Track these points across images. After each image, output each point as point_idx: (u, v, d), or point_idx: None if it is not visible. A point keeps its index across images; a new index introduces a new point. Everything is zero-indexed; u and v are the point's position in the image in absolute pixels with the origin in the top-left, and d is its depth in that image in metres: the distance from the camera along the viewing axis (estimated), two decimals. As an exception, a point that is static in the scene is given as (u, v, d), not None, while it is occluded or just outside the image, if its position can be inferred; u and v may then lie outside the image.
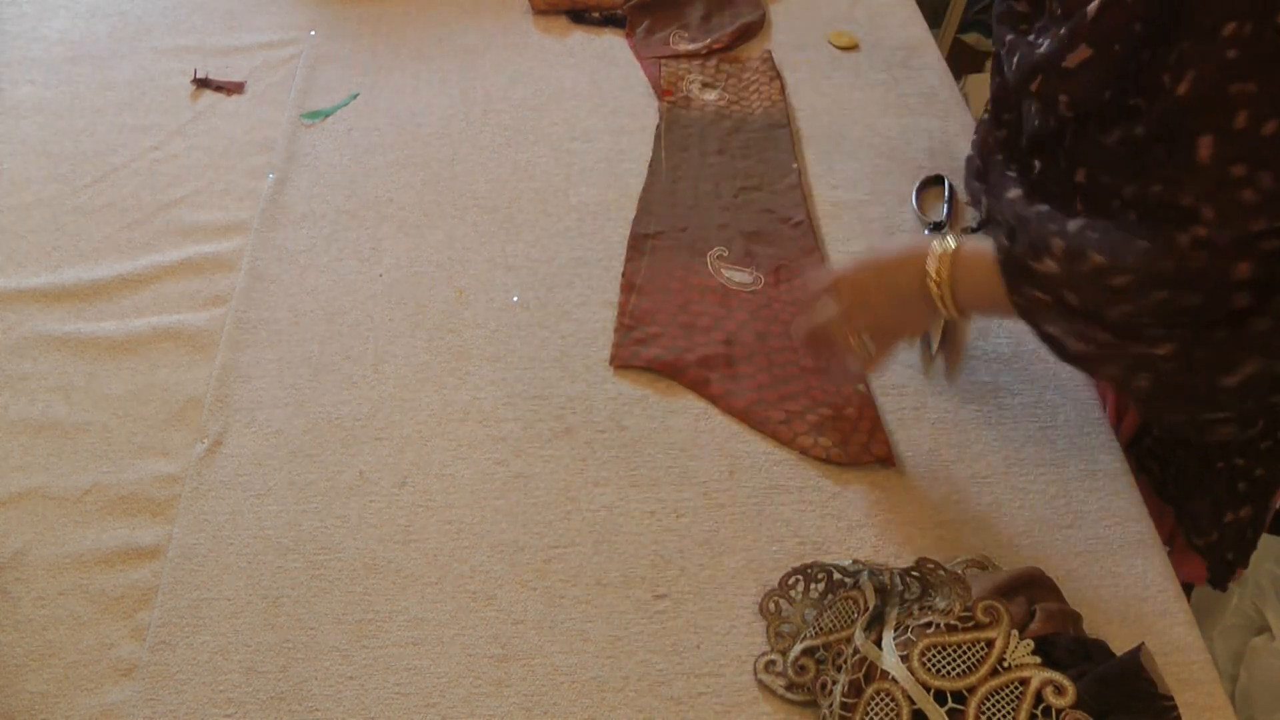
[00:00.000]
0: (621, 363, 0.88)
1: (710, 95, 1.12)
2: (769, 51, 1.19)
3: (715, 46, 1.20)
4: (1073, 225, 0.66)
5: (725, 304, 0.92)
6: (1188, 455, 0.81)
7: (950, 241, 0.72)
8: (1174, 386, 0.66)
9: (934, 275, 0.72)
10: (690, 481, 0.81)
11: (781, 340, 0.89)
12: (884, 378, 0.87)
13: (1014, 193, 0.74)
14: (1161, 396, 0.67)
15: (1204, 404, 0.67)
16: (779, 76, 1.16)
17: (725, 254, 0.97)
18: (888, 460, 0.81)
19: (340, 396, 0.86)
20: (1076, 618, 0.66)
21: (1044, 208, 0.70)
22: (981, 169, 0.82)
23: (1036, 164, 0.75)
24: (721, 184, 1.04)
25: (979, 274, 0.71)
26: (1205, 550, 0.83)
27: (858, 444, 0.82)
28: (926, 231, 0.98)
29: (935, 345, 0.89)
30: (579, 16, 1.27)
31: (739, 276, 0.95)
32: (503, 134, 1.11)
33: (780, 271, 0.95)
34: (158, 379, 0.88)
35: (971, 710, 0.59)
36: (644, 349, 0.89)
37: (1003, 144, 0.80)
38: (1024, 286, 0.68)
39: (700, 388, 0.86)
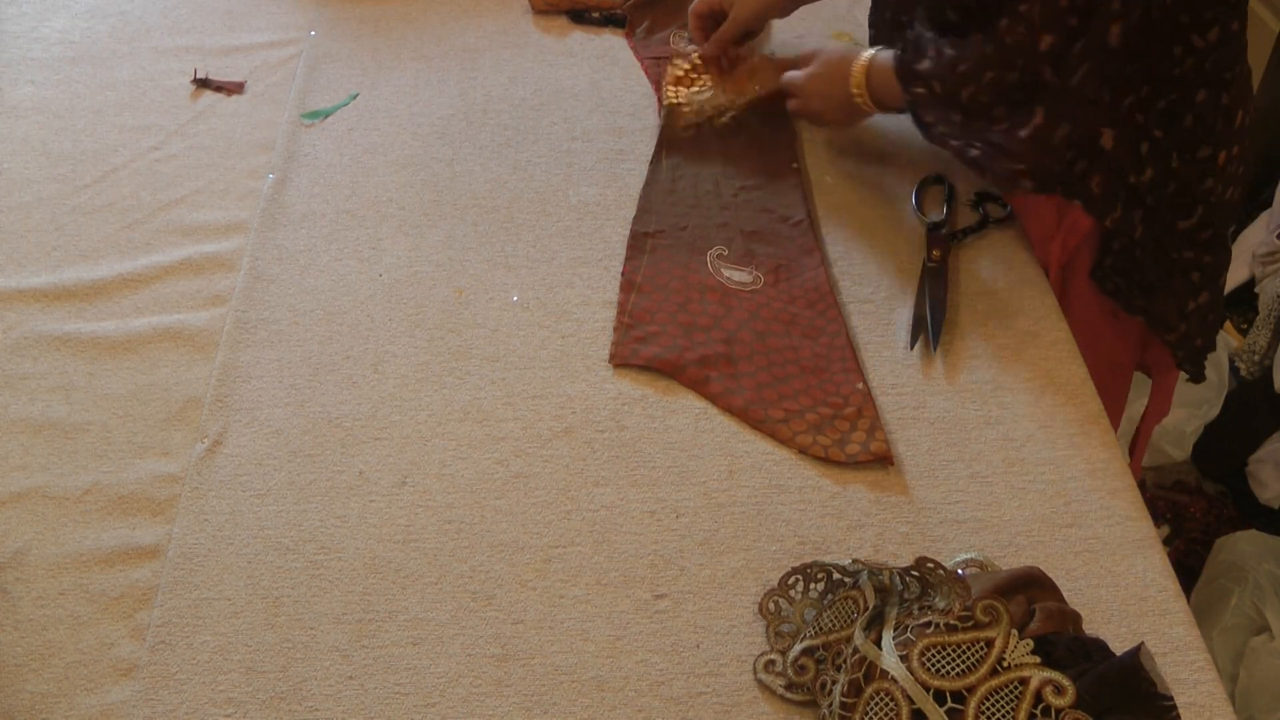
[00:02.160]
0: (621, 361, 0.88)
1: (708, 95, 1.12)
2: (772, 53, 1.19)
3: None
4: (942, 39, 0.88)
5: (725, 303, 0.92)
6: (1145, 259, 0.90)
7: (865, 56, 0.96)
8: (996, 149, 0.87)
9: (855, 83, 0.97)
10: (690, 481, 0.81)
11: (781, 340, 0.89)
12: (884, 378, 0.87)
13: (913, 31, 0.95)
14: (986, 160, 0.89)
15: (1012, 159, 0.87)
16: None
17: (725, 253, 0.97)
18: (886, 459, 0.81)
19: (340, 396, 0.86)
20: (1076, 617, 0.66)
21: (928, 33, 0.91)
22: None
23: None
24: (721, 183, 1.04)
25: (886, 78, 0.94)
26: (1177, 344, 0.95)
27: (856, 443, 0.82)
28: (925, 231, 0.98)
29: (935, 340, 0.89)
30: (579, 16, 1.27)
31: (739, 276, 0.95)
32: (503, 134, 1.11)
33: (780, 271, 0.95)
34: (158, 379, 0.88)
35: (971, 710, 0.59)
36: (643, 347, 0.89)
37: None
38: (910, 85, 0.90)
39: (699, 386, 0.86)
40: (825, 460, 0.82)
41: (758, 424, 0.84)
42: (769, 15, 1.13)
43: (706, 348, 0.88)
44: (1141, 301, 0.91)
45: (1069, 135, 0.84)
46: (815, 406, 0.85)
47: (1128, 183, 0.87)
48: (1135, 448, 1.08)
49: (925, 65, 0.88)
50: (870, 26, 1.08)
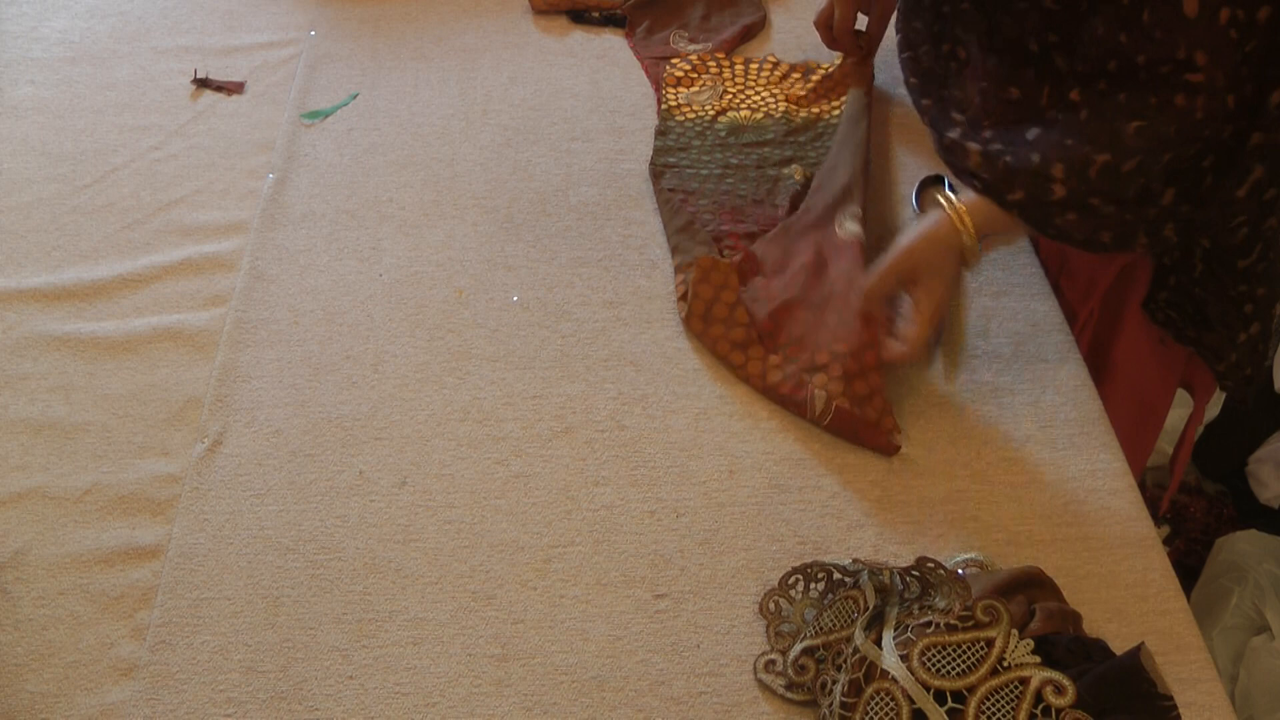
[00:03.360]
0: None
1: (708, 95, 1.12)
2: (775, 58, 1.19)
3: (717, 54, 1.20)
4: (1057, 139, 0.75)
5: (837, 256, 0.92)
6: (1203, 295, 0.86)
7: (954, 199, 0.81)
8: (1192, 223, 0.76)
9: (965, 231, 0.80)
10: (690, 481, 0.81)
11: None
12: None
13: (957, 131, 0.83)
14: (1185, 233, 0.78)
15: (1221, 221, 0.77)
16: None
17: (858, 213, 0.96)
18: (892, 441, 0.81)
19: (340, 396, 0.86)
20: (1076, 617, 0.66)
21: (993, 133, 0.80)
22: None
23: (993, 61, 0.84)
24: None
25: (994, 217, 0.80)
26: (1226, 373, 0.90)
27: (875, 409, 0.82)
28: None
29: (935, 340, 0.89)
30: (579, 16, 1.27)
31: (853, 227, 0.94)
32: (503, 134, 1.11)
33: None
34: (158, 379, 0.88)
35: (971, 710, 0.59)
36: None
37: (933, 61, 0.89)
38: (1050, 221, 0.77)
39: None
40: (827, 426, 0.82)
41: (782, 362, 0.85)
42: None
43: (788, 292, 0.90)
44: (1194, 333, 0.89)
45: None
46: (839, 363, 0.85)
47: (1158, 201, 0.81)
48: (1178, 456, 1.07)
49: (1060, 191, 0.75)
50: (905, 68, 0.93)
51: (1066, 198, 0.75)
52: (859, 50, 1.13)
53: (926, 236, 0.82)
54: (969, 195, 0.81)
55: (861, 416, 0.82)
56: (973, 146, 0.80)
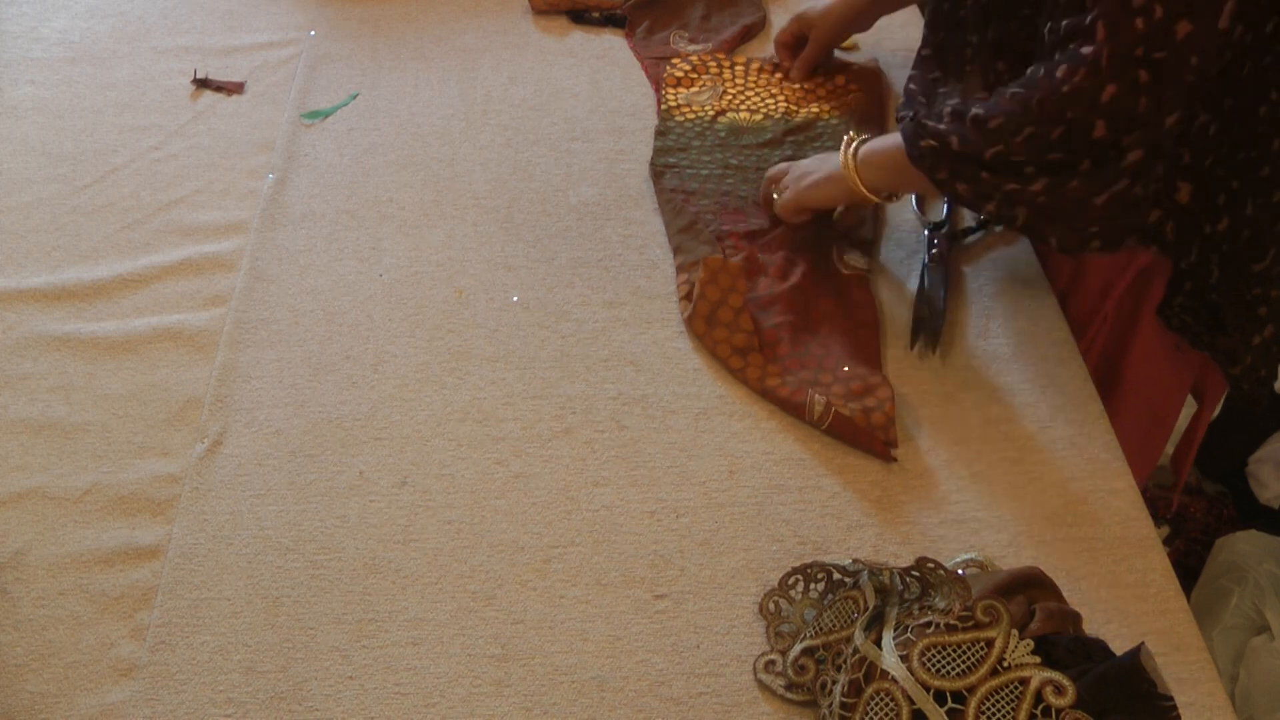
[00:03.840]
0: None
1: (708, 95, 1.12)
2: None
3: (717, 55, 1.20)
4: (965, 98, 0.82)
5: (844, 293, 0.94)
6: (1218, 300, 0.86)
7: (851, 153, 0.90)
8: (1048, 213, 0.78)
9: (847, 162, 0.89)
10: (690, 481, 0.81)
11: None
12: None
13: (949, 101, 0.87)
14: (1037, 223, 0.79)
15: (1077, 223, 0.79)
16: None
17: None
18: (889, 451, 0.81)
19: (340, 396, 0.86)
20: (1076, 617, 0.66)
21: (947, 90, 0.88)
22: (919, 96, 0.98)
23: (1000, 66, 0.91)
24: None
25: (881, 153, 0.87)
26: (1241, 375, 0.91)
27: (878, 419, 0.82)
28: (925, 232, 0.98)
29: (935, 340, 0.89)
30: (579, 16, 1.27)
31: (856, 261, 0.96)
32: (503, 134, 1.11)
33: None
34: (158, 379, 0.88)
35: (971, 710, 0.59)
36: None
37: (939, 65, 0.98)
38: (918, 140, 0.81)
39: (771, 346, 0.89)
40: (828, 430, 0.82)
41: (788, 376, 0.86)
42: (850, 32, 1.14)
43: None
44: (1209, 337, 0.89)
45: (1147, 193, 0.79)
46: (846, 381, 0.86)
47: (1203, 232, 0.84)
48: (1185, 456, 1.07)
49: (940, 124, 0.80)
50: (925, 45, 1.01)
51: (940, 130, 0.80)
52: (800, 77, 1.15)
53: (823, 182, 0.92)
54: (873, 145, 0.88)
55: (860, 423, 0.82)
56: (911, 85, 0.88)
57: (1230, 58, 0.74)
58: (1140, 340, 0.94)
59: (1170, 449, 1.12)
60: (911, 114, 0.85)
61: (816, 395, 0.83)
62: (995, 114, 0.76)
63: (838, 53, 1.19)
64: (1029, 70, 0.76)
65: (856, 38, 1.22)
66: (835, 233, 0.98)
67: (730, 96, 1.13)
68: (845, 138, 0.91)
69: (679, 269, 0.96)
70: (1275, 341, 0.88)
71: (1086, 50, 0.71)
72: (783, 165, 0.99)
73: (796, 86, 1.14)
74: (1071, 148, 0.74)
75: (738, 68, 1.17)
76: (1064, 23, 0.73)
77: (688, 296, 0.92)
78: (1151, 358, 0.95)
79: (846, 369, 0.86)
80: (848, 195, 0.91)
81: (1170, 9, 0.67)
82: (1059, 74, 0.72)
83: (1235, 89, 0.77)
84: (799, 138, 1.08)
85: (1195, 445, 1.05)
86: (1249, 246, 0.82)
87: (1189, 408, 1.02)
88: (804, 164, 0.96)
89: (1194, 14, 0.68)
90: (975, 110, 0.77)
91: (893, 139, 0.86)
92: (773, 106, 1.12)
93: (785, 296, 0.91)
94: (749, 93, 1.14)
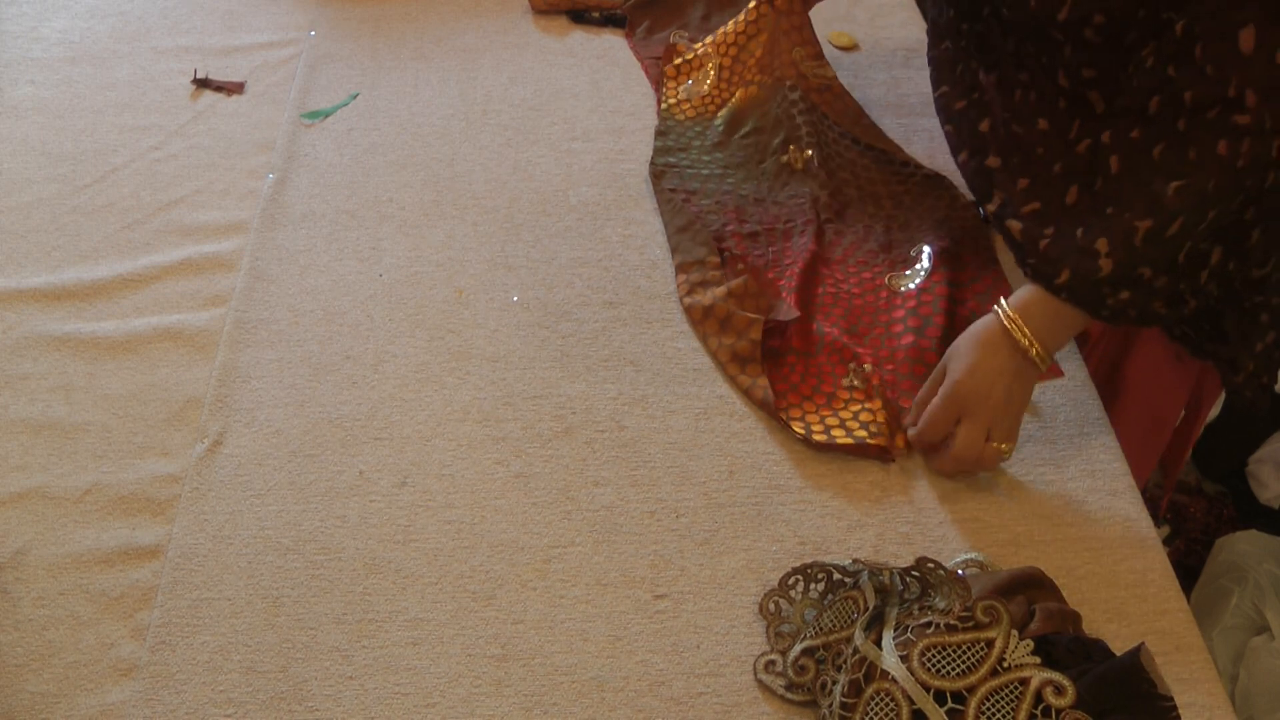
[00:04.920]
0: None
1: (706, 86, 1.12)
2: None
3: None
4: (1097, 207, 0.72)
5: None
6: (1222, 308, 0.84)
7: (1005, 304, 0.77)
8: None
9: (1024, 338, 0.76)
10: (690, 481, 0.81)
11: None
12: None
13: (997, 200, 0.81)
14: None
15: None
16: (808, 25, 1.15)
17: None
18: (885, 456, 0.81)
19: (340, 396, 0.86)
20: (1076, 617, 0.66)
21: (1036, 208, 0.77)
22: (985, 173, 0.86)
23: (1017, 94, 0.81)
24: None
25: (1051, 313, 0.76)
26: (1245, 383, 0.88)
27: (861, 424, 0.82)
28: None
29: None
30: (579, 16, 1.27)
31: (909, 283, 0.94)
32: (503, 134, 1.11)
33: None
34: (158, 379, 0.88)
35: (971, 710, 0.59)
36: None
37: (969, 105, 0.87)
38: (1103, 304, 0.73)
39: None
40: (826, 444, 0.82)
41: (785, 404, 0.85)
42: None
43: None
44: (1211, 346, 0.87)
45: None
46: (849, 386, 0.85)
47: (1208, 263, 0.80)
48: (1178, 456, 1.06)
49: (1107, 265, 0.71)
50: (939, 112, 0.91)
51: (1114, 272, 0.72)
52: None
53: (981, 357, 0.78)
54: (1022, 294, 0.77)
55: (852, 448, 0.82)
56: (1013, 224, 0.79)
57: None
58: (1140, 349, 0.94)
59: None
60: (1062, 271, 0.74)
61: (795, 424, 0.83)
62: (1170, 218, 0.69)
63: (834, 52, 1.19)
64: (1152, 150, 0.69)
65: (856, 37, 1.23)
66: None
67: (727, 75, 1.11)
68: (997, 311, 0.78)
69: (678, 269, 0.96)
70: (1277, 347, 0.87)
71: (1244, 120, 0.65)
72: (933, 407, 0.79)
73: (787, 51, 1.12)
74: (1249, 201, 0.70)
75: (731, 49, 1.15)
76: (1185, 95, 0.68)
77: (690, 293, 0.92)
78: (1152, 366, 0.94)
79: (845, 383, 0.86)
80: (1011, 369, 0.78)
81: None
82: (1223, 151, 0.67)
83: None
84: (793, 110, 1.07)
85: (1188, 449, 1.04)
86: (1251, 254, 0.82)
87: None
88: (964, 382, 0.78)
89: None
90: (1140, 224, 0.69)
91: (1050, 304, 0.76)
92: (764, 76, 1.10)
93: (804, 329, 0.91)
94: (739, 66, 1.12)
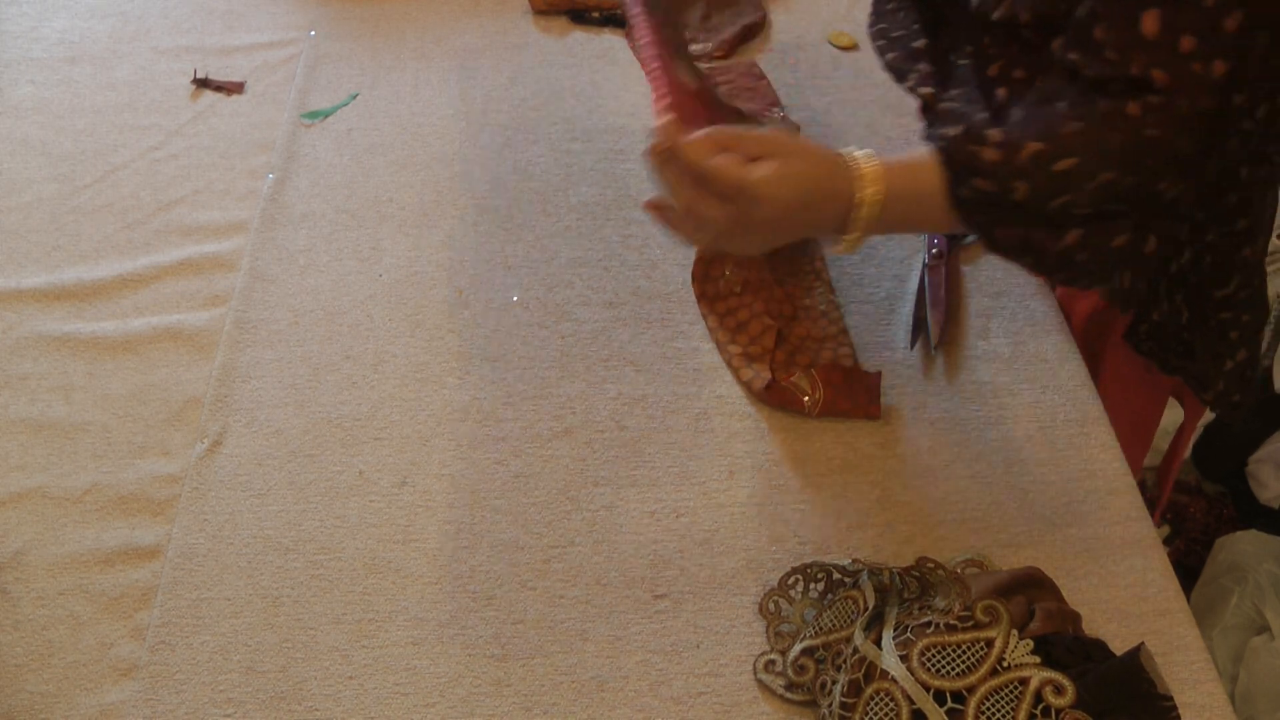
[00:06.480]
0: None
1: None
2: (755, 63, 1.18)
3: (716, 55, 1.20)
4: (985, 113, 0.67)
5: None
6: (1186, 326, 0.83)
7: (868, 157, 0.67)
8: (1088, 265, 0.68)
9: (866, 202, 0.66)
10: (690, 481, 0.81)
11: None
12: (885, 378, 0.87)
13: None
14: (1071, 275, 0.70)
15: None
16: (764, 78, 1.15)
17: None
18: (874, 401, 0.84)
19: (340, 396, 0.86)
20: (1076, 617, 0.66)
21: (960, 92, 0.72)
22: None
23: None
24: None
25: (911, 183, 0.67)
26: (1215, 401, 0.86)
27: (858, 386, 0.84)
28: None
29: (935, 340, 0.89)
30: (579, 16, 1.27)
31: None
32: (503, 134, 1.11)
33: None
34: (158, 379, 0.88)
35: (971, 710, 0.59)
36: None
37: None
38: (970, 178, 0.65)
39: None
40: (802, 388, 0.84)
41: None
42: None
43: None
44: (1178, 361, 0.86)
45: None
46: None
47: (1168, 271, 0.79)
48: (1169, 468, 1.06)
49: (991, 155, 0.65)
50: (876, 39, 0.86)
51: (990, 167, 0.64)
52: None
53: (807, 206, 0.66)
54: (897, 166, 0.68)
55: (855, 376, 0.84)
56: (925, 90, 0.75)
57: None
58: (1109, 365, 0.93)
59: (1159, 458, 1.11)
60: (954, 131, 0.67)
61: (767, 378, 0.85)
62: (1064, 152, 0.63)
63: (835, 52, 1.18)
64: (1070, 92, 0.64)
65: (857, 38, 1.22)
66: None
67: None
68: (850, 150, 0.68)
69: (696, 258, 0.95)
70: (1249, 365, 0.86)
71: (1156, 100, 0.61)
72: (708, 141, 0.64)
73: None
74: (1134, 201, 0.65)
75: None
76: (1090, 71, 0.63)
77: (699, 277, 0.93)
78: (1124, 380, 0.94)
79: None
80: (827, 229, 0.69)
81: (1228, 61, 0.61)
82: (1132, 111, 0.62)
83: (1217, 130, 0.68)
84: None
85: (1178, 460, 1.04)
86: (1212, 272, 0.79)
87: (1178, 412, 1.02)
88: (762, 184, 0.64)
89: (1230, 55, 0.61)
90: (1031, 144, 0.64)
91: (922, 162, 0.68)
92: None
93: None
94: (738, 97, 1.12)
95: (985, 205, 0.66)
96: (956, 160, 0.66)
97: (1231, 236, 0.78)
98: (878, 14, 0.90)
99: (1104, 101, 0.63)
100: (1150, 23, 0.61)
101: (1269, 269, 1.56)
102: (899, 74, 0.83)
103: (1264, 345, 1.53)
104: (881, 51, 0.85)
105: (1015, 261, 0.70)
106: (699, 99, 0.74)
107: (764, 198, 0.64)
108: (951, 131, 0.67)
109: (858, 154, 0.68)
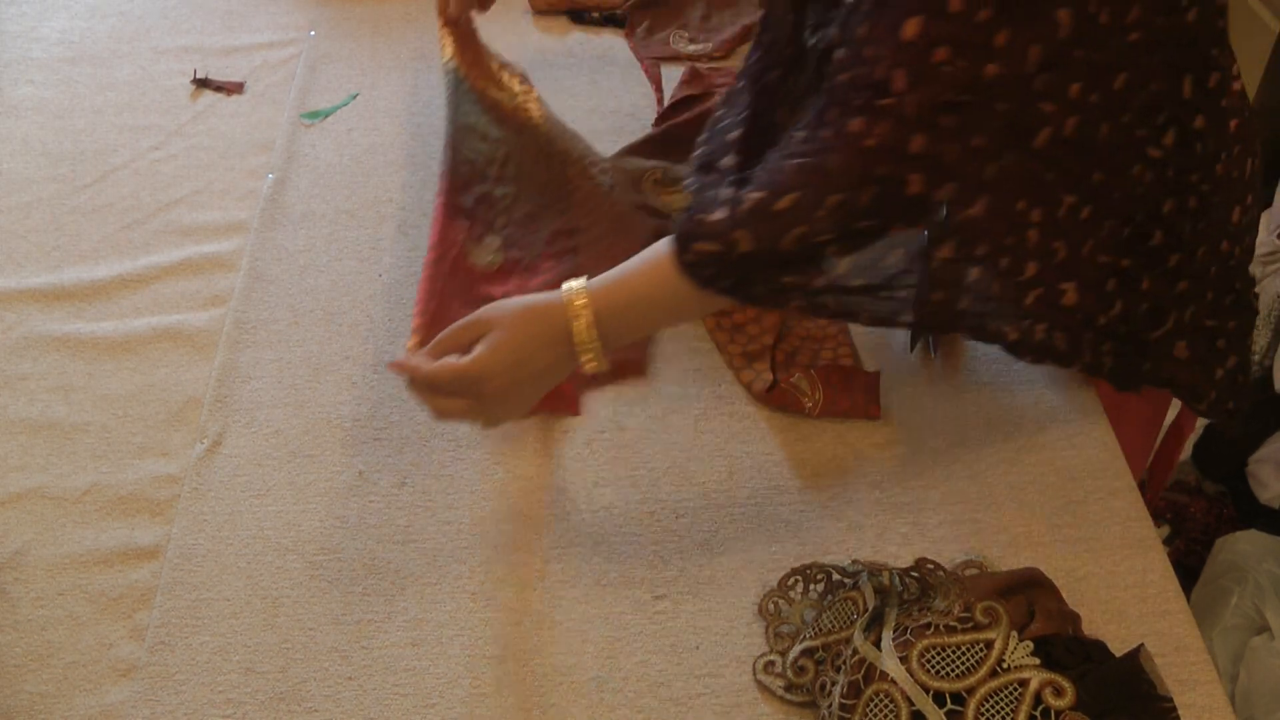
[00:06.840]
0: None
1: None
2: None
3: (716, 55, 1.20)
4: (731, 181, 0.68)
5: None
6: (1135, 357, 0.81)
7: (579, 286, 0.69)
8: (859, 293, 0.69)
9: (577, 332, 0.69)
10: (690, 481, 0.81)
11: None
12: (885, 378, 0.87)
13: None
14: (851, 311, 0.70)
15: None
16: None
17: None
18: (874, 401, 0.84)
19: (340, 396, 0.86)
20: (1076, 618, 0.66)
21: (708, 178, 0.73)
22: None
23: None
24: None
25: (628, 290, 0.69)
26: (1209, 410, 0.85)
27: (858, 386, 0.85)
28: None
29: (935, 342, 0.89)
30: (579, 16, 1.27)
31: None
32: (503, 134, 1.11)
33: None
34: (158, 379, 0.88)
35: (971, 711, 0.59)
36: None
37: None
38: (690, 244, 0.66)
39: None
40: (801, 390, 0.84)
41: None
42: None
43: None
44: (1167, 374, 0.83)
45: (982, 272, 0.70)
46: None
47: (1096, 324, 0.75)
48: (1165, 462, 1.05)
49: (718, 216, 0.66)
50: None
51: (712, 227, 0.66)
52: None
53: (541, 374, 0.70)
54: (610, 281, 0.69)
55: (854, 376, 0.84)
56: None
57: (1081, 122, 0.65)
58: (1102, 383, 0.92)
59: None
60: (690, 207, 0.69)
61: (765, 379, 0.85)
62: (782, 190, 0.64)
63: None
64: (797, 134, 0.66)
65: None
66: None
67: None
68: (568, 284, 0.69)
69: None
70: (1239, 371, 0.84)
71: (885, 101, 0.62)
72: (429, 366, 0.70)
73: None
74: (884, 210, 0.65)
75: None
76: (839, 78, 0.64)
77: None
78: (1114, 393, 0.93)
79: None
80: (564, 366, 0.71)
81: (977, 56, 0.61)
82: (854, 128, 0.63)
83: (1101, 159, 0.68)
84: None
85: (1173, 464, 1.03)
86: (1145, 318, 0.76)
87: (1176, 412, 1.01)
88: (488, 359, 0.69)
89: (1000, 58, 0.62)
90: (751, 193, 0.65)
91: (649, 259, 0.69)
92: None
93: None
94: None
95: (715, 266, 0.67)
96: (682, 233, 0.68)
97: (1164, 276, 0.74)
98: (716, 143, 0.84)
99: (826, 130, 0.64)
100: (911, 28, 0.61)
101: (1269, 269, 1.56)
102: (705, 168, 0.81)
103: (1264, 346, 1.53)
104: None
105: (793, 310, 0.70)
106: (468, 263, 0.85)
107: (484, 375, 0.69)
108: (687, 207, 0.69)
109: (573, 285, 0.70)
